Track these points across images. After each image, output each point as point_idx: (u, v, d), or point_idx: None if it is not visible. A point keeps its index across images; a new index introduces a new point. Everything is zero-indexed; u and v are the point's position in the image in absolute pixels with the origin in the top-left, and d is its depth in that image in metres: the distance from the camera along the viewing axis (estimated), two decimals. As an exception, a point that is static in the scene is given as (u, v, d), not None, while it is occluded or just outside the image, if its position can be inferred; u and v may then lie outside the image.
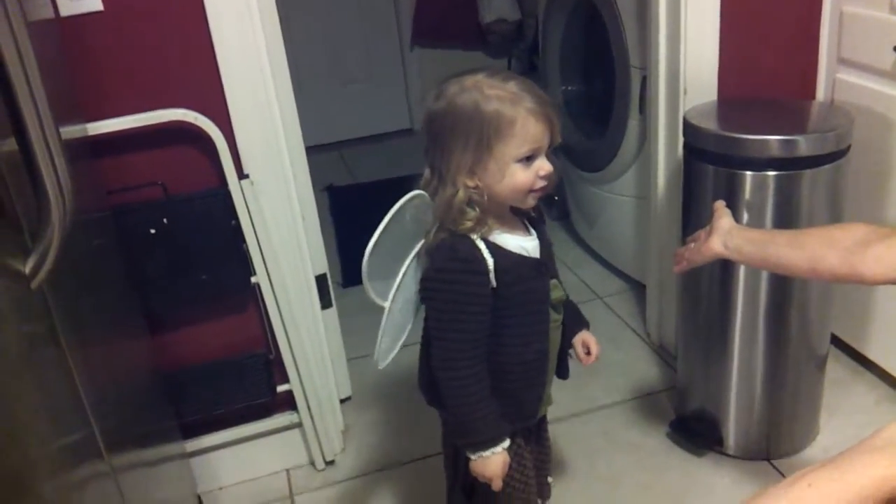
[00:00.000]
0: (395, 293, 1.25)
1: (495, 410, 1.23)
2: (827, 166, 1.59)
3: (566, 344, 1.39)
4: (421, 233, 1.23)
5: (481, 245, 1.18)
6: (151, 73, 1.56)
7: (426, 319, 1.27)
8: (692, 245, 1.41)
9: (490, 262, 1.17)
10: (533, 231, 1.27)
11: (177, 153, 1.63)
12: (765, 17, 1.86)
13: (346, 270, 2.75)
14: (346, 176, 3.71)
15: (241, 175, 1.64)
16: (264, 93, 1.62)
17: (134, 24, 1.52)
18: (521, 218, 1.27)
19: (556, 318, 1.31)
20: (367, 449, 2.01)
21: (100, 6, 1.48)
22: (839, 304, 1.86)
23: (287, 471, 1.96)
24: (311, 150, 1.91)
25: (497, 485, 1.24)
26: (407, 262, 1.26)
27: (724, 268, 1.69)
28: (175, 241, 1.64)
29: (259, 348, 1.83)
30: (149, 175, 1.62)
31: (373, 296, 1.25)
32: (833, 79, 1.92)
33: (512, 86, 1.14)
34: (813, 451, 1.84)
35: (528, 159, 1.15)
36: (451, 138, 1.15)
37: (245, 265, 1.70)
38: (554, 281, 1.29)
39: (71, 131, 1.29)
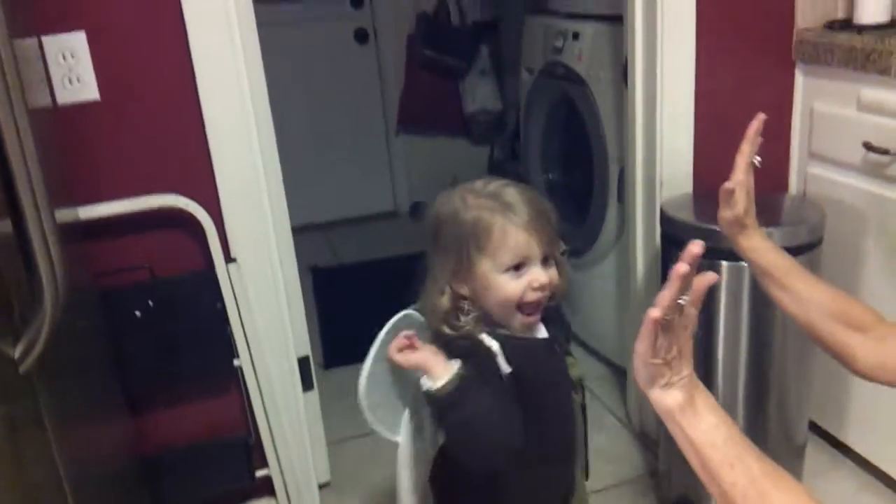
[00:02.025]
0: (404, 424, 1.22)
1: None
2: (800, 258, 1.63)
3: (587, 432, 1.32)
4: None
5: (483, 335, 1.13)
6: (144, 160, 1.60)
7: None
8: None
9: (495, 345, 1.13)
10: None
11: (165, 236, 1.66)
12: (737, 114, 1.92)
13: (327, 352, 2.75)
14: (330, 257, 3.74)
15: (229, 259, 1.66)
16: (254, 179, 1.66)
17: (129, 114, 1.56)
18: None
19: (575, 398, 1.26)
20: (345, 536, 1.98)
21: (97, 96, 1.52)
22: (817, 391, 1.88)
23: (264, 559, 1.92)
24: (296, 231, 1.94)
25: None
26: (411, 390, 1.21)
27: (705, 353, 1.72)
28: (160, 323, 1.65)
29: (239, 432, 1.81)
30: (136, 258, 1.64)
31: (380, 429, 1.22)
32: (805, 172, 1.99)
33: (504, 194, 1.12)
34: (794, 541, 1.83)
35: (518, 268, 1.11)
36: (435, 246, 1.15)
37: (228, 347, 1.70)
38: (570, 358, 1.24)
39: (63, 214, 1.31)
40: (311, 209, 3.74)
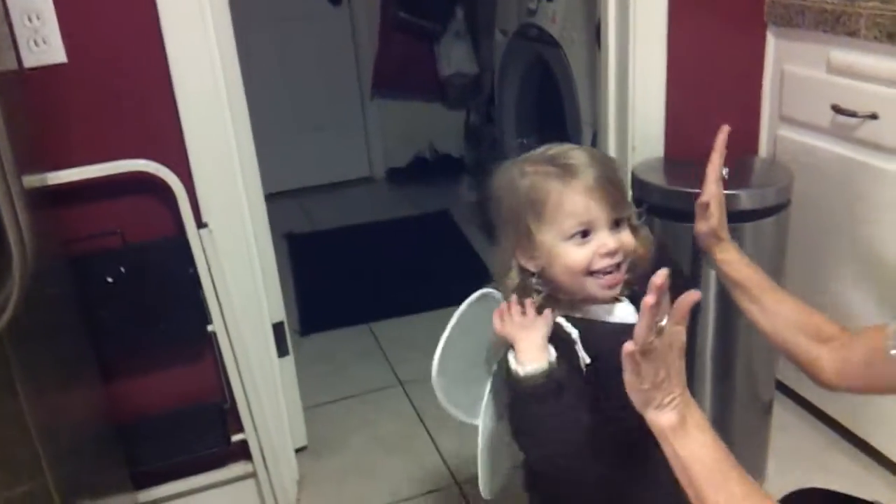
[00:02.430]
0: (485, 407, 1.16)
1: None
2: (768, 219, 1.66)
3: None
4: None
5: (560, 320, 1.06)
6: (113, 124, 1.58)
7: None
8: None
9: (574, 332, 1.05)
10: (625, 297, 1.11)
11: (135, 202, 1.64)
12: (709, 78, 1.95)
13: (303, 318, 2.76)
14: (306, 223, 3.73)
15: (200, 224, 1.65)
16: (225, 143, 1.65)
17: (97, 77, 1.54)
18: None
19: None
20: (322, 499, 2.00)
21: (63, 58, 1.50)
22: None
23: (241, 522, 1.94)
24: (270, 197, 1.94)
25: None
26: (493, 369, 1.16)
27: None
28: (132, 289, 1.64)
29: (214, 397, 1.82)
30: (107, 223, 1.62)
31: (455, 412, 1.15)
32: (775, 135, 2.01)
33: (563, 158, 1.05)
34: (761, 496, 1.88)
35: (584, 235, 1.03)
36: (497, 220, 1.10)
37: (202, 313, 1.70)
38: None
39: (31, 180, 1.30)
40: (285, 175, 3.73)
